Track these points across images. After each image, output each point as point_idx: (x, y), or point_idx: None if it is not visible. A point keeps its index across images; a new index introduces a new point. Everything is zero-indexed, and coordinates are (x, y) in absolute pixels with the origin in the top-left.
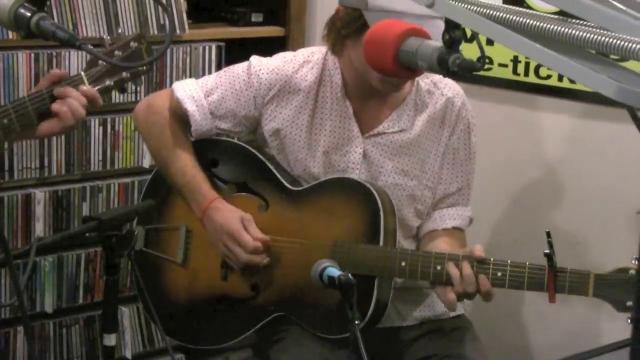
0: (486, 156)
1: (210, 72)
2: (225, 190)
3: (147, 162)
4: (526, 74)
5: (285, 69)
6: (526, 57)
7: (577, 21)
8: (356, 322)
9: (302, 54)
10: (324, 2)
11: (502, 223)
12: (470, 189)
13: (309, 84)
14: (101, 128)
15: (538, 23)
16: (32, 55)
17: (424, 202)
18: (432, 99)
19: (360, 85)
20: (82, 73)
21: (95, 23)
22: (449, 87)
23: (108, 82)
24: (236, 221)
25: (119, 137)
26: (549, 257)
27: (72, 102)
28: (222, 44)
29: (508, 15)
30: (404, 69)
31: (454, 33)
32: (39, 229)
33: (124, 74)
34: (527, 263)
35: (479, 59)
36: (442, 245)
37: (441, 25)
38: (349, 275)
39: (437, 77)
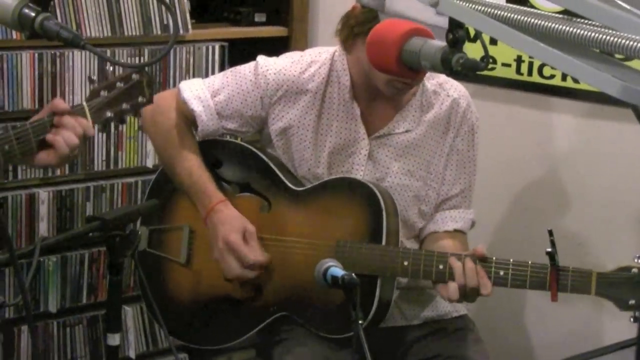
0: (489, 156)
1: (213, 72)
2: (228, 190)
3: (150, 162)
4: (530, 73)
5: (293, 70)
6: (530, 57)
7: (582, 20)
8: (360, 322)
9: (309, 54)
10: (327, 2)
11: (505, 222)
12: (472, 191)
13: (316, 85)
14: (106, 131)
15: (542, 22)
16: (36, 55)
17: (429, 202)
18: (437, 99)
19: (367, 86)
20: (84, 104)
21: (99, 23)
22: (455, 88)
23: (109, 114)
24: (237, 232)
25: (123, 137)
26: (551, 255)
27: (65, 132)
28: (226, 44)
29: (512, 15)
30: (407, 68)
31: (457, 33)
32: (43, 228)
33: (124, 105)
34: (530, 262)
35: (482, 59)
36: (443, 248)
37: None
38: (353, 275)
39: (443, 78)
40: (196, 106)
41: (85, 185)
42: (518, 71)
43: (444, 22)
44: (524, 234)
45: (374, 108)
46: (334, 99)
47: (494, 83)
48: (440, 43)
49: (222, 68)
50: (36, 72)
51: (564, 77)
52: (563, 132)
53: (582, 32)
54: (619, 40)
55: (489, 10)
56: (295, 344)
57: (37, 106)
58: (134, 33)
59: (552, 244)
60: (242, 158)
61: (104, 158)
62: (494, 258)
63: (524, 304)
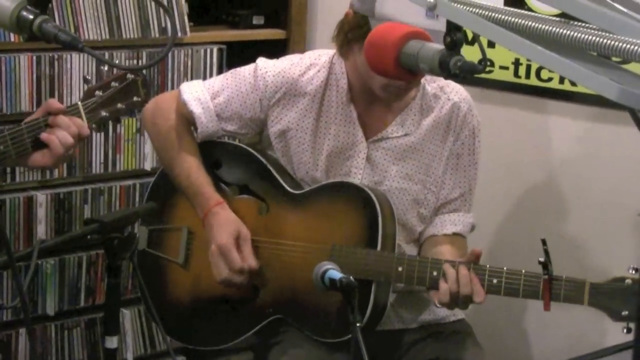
0: (487, 159)
1: (212, 75)
2: (227, 192)
3: (148, 165)
4: (527, 76)
5: (292, 72)
6: (527, 60)
7: (579, 23)
8: (357, 324)
9: (308, 56)
10: (325, 5)
11: (502, 225)
12: (472, 195)
13: (315, 87)
14: (102, 131)
15: (540, 25)
16: (34, 57)
17: (428, 206)
18: (438, 103)
19: (365, 89)
20: (79, 103)
21: (97, 26)
22: (456, 92)
23: (104, 113)
24: (229, 235)
25: (121, 140)
26: (544, 265)
27: (60, 131)
28: (224, 46)
29: (509, 18)
30: (405, 71)
31: (455, 35)
32: (41, 231)
33: (119, 105)
34: (523, 270)
35: (480, 62)
36: (442, 252)
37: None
38: (351, 277)
39: (444, 82)
40: (196, 108)
41: (83, 188)
42: (516, 74)
43: (434, 25)
44: (521, 236)
45: (372, 111)
46: (332, 102)
47: (491, 86)
48: (438, 46)
49: (220, 71)
50: (34, 75)
51: (561, 80)
52: (561, 134)
53: (579, 35)
54: (616, 43)
55: (487, 13)
56: (291, 346)
57: (35, 108)
58: (132, 36)
59: (546, 253)
60: (241, 160)
61: (102, 161)
62: (488, 266)
63: (522, 307)
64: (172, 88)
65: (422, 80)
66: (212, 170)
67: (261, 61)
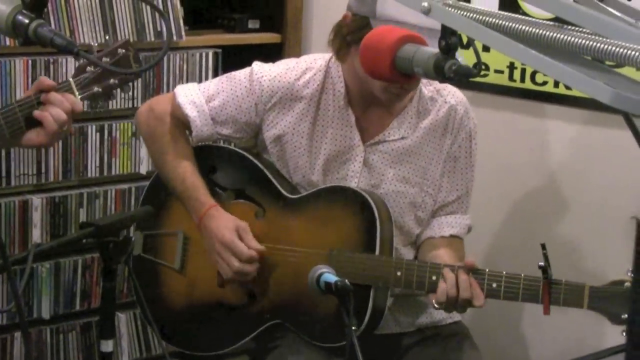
0: (482, 162)
1: (207, 79)
2: (223, 196)
3: (144, 169)
4: (522, 80)
5: (288, 76)
6: (522, 64)
7: (573, 27)
8: (353, 328)
9: (304, 60)
10: (320, 8)
11: (499, 229)
12: (469, 197)
13: (311, 92)
14: (98, 134)
15: (533, 29)
16: (30, 61)
17: (425, 209)
18: (434, 106)
19: (362, 93)
20: (71, 80)
21: (93, 30)
22: (453, 95)
23: (96, 89)
24: (230, 231)
25: (116, 144)
26: (544, 269)
27: (54, 108)
28: (219, 50)
29: (504, 22)
30: (400, 75)
31: (450, 39)
32: (36, 235)
33: (112, 80)
34: (522, 275)
35: (475, 65)
36: (439, 254)
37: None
38: (346, 281)
39: (441, 85)
40: (190, 111)
41: (78, 192)
42: (511, 78)
43: (436, 25)
44: (517, 239)
45: (369, 115)
46: (329, 106)
47: (486, 89)
48: (433, 50)
49: (215, 74)
50: (30, 79)
51: (556, 84)
52: (556, 138)
53: (573, 39)
54: (610, 47)
55: (481, 17)
56: (289, 351)
57: None
58: (127, 39)
59: (545, 257)
60: (236, 164)
61: (97, 164)
62: (487, 270)
63: (519, 309)
64: (168, 92)
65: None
66: (208, 175)
67: (257, 65)
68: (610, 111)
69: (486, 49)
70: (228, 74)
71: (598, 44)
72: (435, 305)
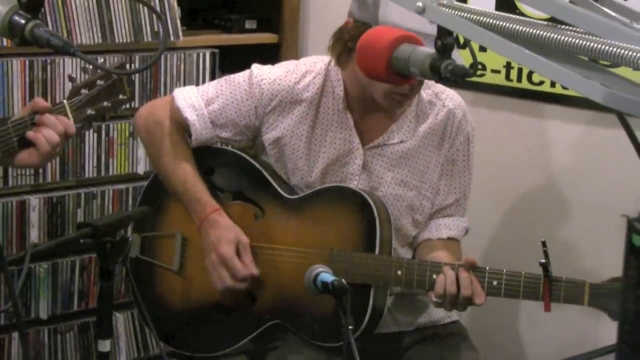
0: (479, 162)
1: (204, 79)
2: (221, 198)
3: (141, 169)
4: (519, 80)
5: (287, 79)
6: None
7: (569, 28)
8: (349, 327)
9: (304, 63)
10: (317, 9)
11: (496, 228)
12: (466, 200)
13: (311, 95)
14: (95, 135)
15: (529, 29)
16: (27, 62)
17: (422, 212)
18: (433, 110)
19: (362, 97)
20: (65, 102)
21: (90, 30)
22: (451, 99)
23: (89, 111)
24: (229, 244)
25: (114, 144)
26: (545, 266)
27: (47, 130)
28: (216, 50)
29: (499, 22)
30: (396, 75)
31: (446, 39)
32: (34, 235)
33: (105, 103)
34: (523, 272)
35: (471, 65)
36: (437, 256)
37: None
38: (343, 280)
39: (440, 88)
40: (190, 115)
41: (76, 192)
42: (507, 77)
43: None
44: (515, 238)
45: (368, 119)
46: (329, 109)
47: (483, 89)
48: (429, 50)
49: (212, 75)
50: (27, 79)
51: (553, 84)
52: (553, 138)
53: (568, 39)
54: (605, 47)
55: (476, 17)
56: (288, 351)
57: None
58: (124, 40)
59: (546, 254)
60: (235, 166)
61: (94, 165)
62: (487, 268)
63: (517, 309)
64: (165, 92)
65: None
66: (206, 176)
67: (256, 68)
68: (608, 111)
69: (483, 48)
70: (227, 77)
71: (593, 44)
72: (435, 300)
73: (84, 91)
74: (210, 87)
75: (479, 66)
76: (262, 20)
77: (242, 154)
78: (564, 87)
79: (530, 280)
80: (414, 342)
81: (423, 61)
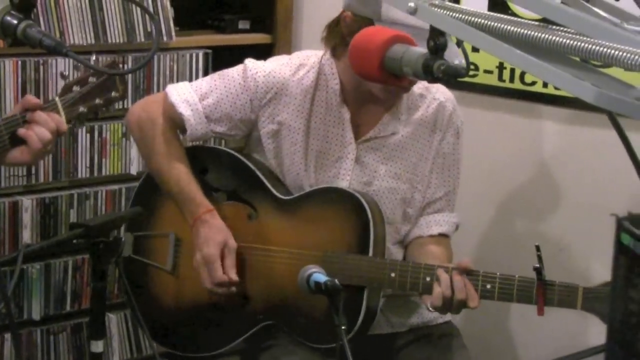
0: (471, 162)
1: (197, 79)
2: (215, 197)
3: (134, 169)
4: (511, 80)
5: (283, 72)
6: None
7: (560, 28)
8: (342, 327)
9: (297, 57)
10: (310, 9)
11: (488, 229)
12: (455, 195)
13: (306, 88)
14: (88, 135)
15: (520, 30)
16: (19, 62)
17: (414, 205)
18: (423, 102)
19: (358, 91)
20: (57, 99)
21: (82, 31)
22: (441, 92)
23: (82, 109)
24: (216, 246)
25: (107, 144)
26: (538, 270)
27: (38, 127)
28: (209, 51)
29: (491, 23)
30: (389, 75)
31: (438, 40)
32: (26, 236)
33: (97, 101)
34: (517, 276)
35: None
36: (428, 253)
37: (453, 46)
38: (336, 280)
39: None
40: (184, 110)
41: (69, 193)
42: (500, 78)
43: None
44: (507, 239)
45: (364, 112)
46: (322, 103)
47: (476, 90)
48: (421, 50)
49: (206, 75)
50: (19, 79)
51: (545, 84)
52: (545, 138)
53: (559, 39)
54: (596, 47)
55: (468, 18)
56: (281, 352)
57: None
58: (117, 40)
59: (539, 259)
60: (228, 165)
61: (87, 165)
62: (481, 271)
63: (509, 309)
64: (158, 92)
65: None
66: (199, 176)
67: (250, 62)
68: (599, 111)
69: (475, 49)
70: (220, 72)
71: (584, 44)
72: (430, 309)
73: (75, 88)
74: (204, 82)
75: (472, 66)
76: (255, 21)
77: (236, 154)
78: (556, 88)
79: (524, 284)
80: (407, 342)
81: (416, 61)
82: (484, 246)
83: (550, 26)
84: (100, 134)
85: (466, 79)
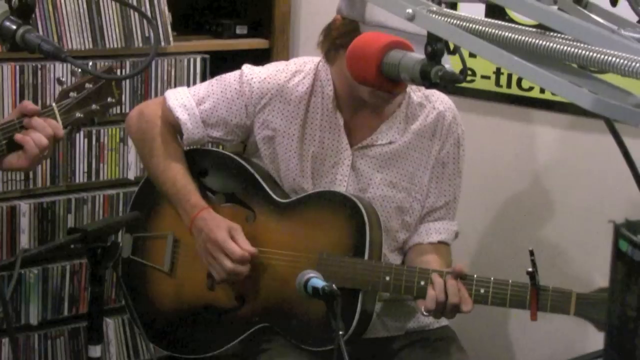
0: (468, 167)
1: (195, 85)
2: (213, 200)
3: (132, 174)
4: (509, 85)
5: (278, 78)
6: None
7: (557, 34)
8: (340, 332)
9: (294, 63)
10: (308, 14)
11: (484, 234)
12: (456, 204)
13: (301, 94)
14: (86, 140)
15: (518, 36)
16: (17, 67)
17: (412, 214)
18: (423, 111)
19: (351, 96)
20: (54, 105)
21: (80, 36)
22: (441, 101)
23: (78, 115)
24: (223, 231)
25: (104, 149)
26: (532, 275)
27: (35, 133)
28: (207, 56)
29: (488, 29)
30: (387, 80)
31: (436, 45)
32: (24, 240)
33: (94, 106)
34: (510, 281)
35: (461, 71)
36: (427, 260)
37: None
38: (333, 285)
39: (430, 91)
40: (181, 114)
41: (66, 197)
42: (497, 83)
43: (423, 31)
44: (503, 244)
45: (358, 119)
46: (318, 109)
47: (473, 95)
48: (419, 56)
49: (203, 80)
50: (17, 84)
51: (542, 90)
52: (542, 143)
53: (556, 46)
54: (592, 54)
55: (465, 24)
56: (277, 354)
57: None
58: (115, 45)
59: (533, 263)
60: (227, 168)
61: (85, 170)
62: (475, 276)
63: (506, 314)
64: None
65: (408, 89)
66: (198, 178)
67: (247, 68)
68: (596, 116)
69: (473, 55)
70: (218, 77)
71: (581, 51)
72: (424, 313)
73: (72, 94)
74: (202, 87)
75: (469, 72)
76: (253, 26)
77: (235, 157)
78: (553, 93)
79: (518, 288)
80: (404, 346)
81: (413, 67)
82: (480, 250)
83: (547, 33)
84: (97, 138)
85: (463, 85)
